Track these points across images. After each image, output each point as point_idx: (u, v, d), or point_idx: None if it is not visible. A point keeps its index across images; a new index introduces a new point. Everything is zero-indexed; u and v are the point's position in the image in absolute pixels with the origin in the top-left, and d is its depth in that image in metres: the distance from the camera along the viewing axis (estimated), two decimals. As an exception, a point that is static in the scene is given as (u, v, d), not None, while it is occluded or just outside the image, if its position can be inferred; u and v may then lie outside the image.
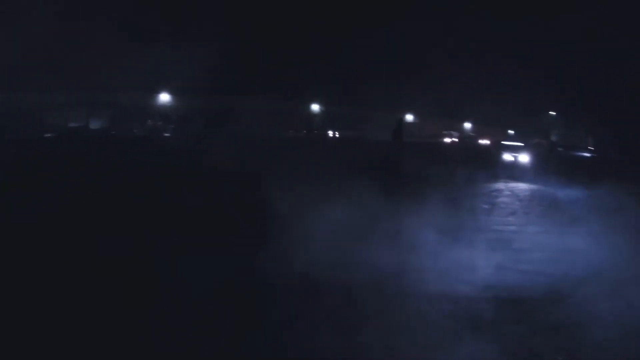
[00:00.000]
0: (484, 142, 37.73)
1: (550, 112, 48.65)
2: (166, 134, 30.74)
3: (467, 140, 41.15)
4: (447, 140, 39.79)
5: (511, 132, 45.92)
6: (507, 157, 21.70)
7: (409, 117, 47.63)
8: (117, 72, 24.90)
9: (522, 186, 14.09)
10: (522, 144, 24.77)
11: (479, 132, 45.12)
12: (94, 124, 31.47)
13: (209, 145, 17.39)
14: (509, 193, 12.32)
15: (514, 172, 18.30)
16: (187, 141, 21.47)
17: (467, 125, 51.55)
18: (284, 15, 37.42)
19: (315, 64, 35.01)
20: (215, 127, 26.68)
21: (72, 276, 4.52)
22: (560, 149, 35.45)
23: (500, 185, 13.51)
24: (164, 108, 36.45)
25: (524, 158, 21.44)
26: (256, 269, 4.93)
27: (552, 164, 22.46)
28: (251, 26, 34.75)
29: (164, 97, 36.84)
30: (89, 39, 25.38)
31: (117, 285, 4.32)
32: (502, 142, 25.57)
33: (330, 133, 39.13)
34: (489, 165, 19.52)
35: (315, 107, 42.09)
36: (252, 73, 33.32)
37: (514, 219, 8.94)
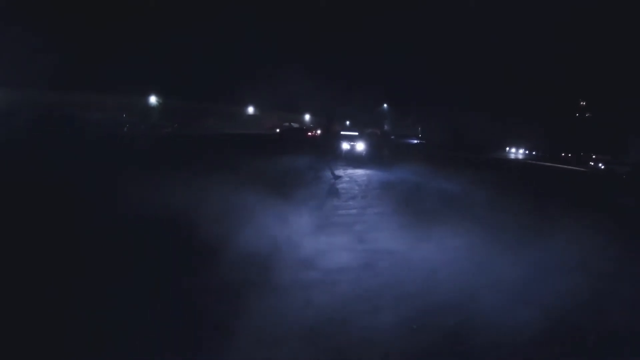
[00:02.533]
0: (317, 132, 39.38)
1: (384, 105, 53.50)
2: None
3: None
4: None
5: (348, 122, 49.08)
6: (345, 145, 22.70)
7: (250, 110, 47.48)
8: None
9: (359, 172, 14.74)
10: (358, 134, 26.19)
11: (317, 123, 46.91)
12: None
13: (35, 148, 14.92)
14: (347, 179, 12.71)
15: (351, 159, 19.21)
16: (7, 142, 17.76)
17: (307, 118, 53.32)
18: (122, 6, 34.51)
19: (156, 57, 32.83)
20: (45, 125, 22.82)
21: None
22: (392, 137, 38.85)
23: (340, 172, 13.89)
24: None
25: (360, 146, 22.68)
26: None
27: (384, 150, 24.26)
28: (85, 17, 31.20)
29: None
30: None
31: None
32: (341, 132, 26.64)
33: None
34: (329, 153, 20.17)
35: (153, 100, 38.90)
36: (85, 65, 29.59)
37: (353, 203, 9.14)
